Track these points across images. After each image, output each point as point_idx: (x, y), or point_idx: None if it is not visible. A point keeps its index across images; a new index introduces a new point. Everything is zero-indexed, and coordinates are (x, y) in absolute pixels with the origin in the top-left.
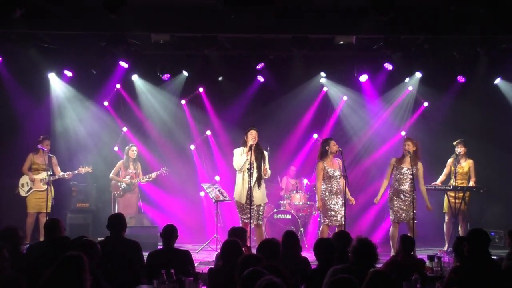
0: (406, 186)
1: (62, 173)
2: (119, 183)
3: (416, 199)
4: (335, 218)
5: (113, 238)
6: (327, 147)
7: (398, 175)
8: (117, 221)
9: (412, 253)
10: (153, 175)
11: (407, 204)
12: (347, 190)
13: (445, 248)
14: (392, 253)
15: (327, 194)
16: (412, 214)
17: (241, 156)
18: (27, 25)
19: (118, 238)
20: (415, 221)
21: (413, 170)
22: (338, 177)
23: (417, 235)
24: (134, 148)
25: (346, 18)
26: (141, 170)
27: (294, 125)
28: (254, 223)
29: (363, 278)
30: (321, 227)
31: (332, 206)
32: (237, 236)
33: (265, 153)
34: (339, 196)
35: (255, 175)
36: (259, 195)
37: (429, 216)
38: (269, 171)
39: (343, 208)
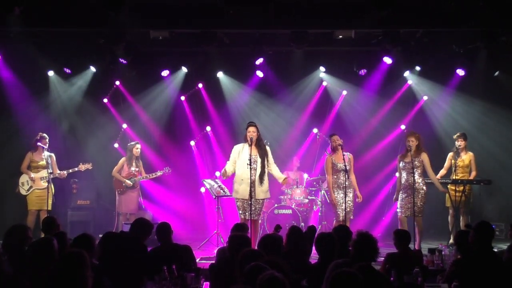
0: (410, 181)
1: (58, 172)
2: (122, 182)
3: (426, 192)
4: (341, 212)
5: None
6: (329, 142)
7: (403, 171)
8: (141, 226)
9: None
10: (158, 173)
11: (412, 198)
12: (355, 185)
13: (451, 241)
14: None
15: (334, 188)
16: (421, 207)
17: (239, 153)
18: (26, 23)
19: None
20: (420, 215)
21: (415, 163)
22: (344, 171)
23: (423, 228)
24: (138, 146)
25: (345, 13)
26: (143, 168)
27: (294, 120)
28: (253, 218)
29: None
30: (334, 223)
31: (339, 200)
32: (243, 232)
33: (267, 148)
34: (345, 190)
35: (258, 170)
36: (261, 190)
37: (432, 210)
38: (276, 170)
39: (347, 204)
